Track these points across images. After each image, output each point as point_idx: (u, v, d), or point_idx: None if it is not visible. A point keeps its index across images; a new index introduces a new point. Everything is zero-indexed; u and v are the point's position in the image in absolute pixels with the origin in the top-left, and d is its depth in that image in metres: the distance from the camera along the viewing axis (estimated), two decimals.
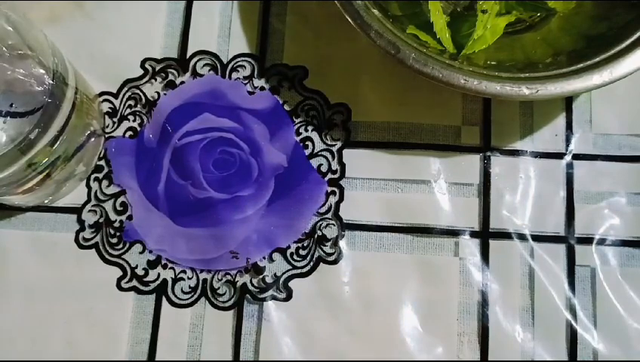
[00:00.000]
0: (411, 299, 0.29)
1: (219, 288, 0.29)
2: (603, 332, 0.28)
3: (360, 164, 0.30)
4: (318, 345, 0.28)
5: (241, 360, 0.29)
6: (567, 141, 0.30)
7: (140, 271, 0.30)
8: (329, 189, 0.30)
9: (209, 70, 0.32)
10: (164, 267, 0.30)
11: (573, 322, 0.28)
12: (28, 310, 0.29)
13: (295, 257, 0.29)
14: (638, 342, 0.28)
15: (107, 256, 0.30)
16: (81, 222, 0.30)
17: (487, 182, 0.30)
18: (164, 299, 0.29)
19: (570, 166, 0.30)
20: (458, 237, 0.29)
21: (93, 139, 0.30)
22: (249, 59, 0.32)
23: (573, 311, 0.28)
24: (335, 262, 0.29)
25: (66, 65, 0.28)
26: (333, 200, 0.30)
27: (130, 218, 0.30)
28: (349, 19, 0.28)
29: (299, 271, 0.29)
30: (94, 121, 0.30)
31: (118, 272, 0.30)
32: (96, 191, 0.31)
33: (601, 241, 0.29)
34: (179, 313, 0.29)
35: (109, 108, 0.32)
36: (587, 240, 0.29)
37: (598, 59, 0.27)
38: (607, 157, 0.30)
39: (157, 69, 0.32)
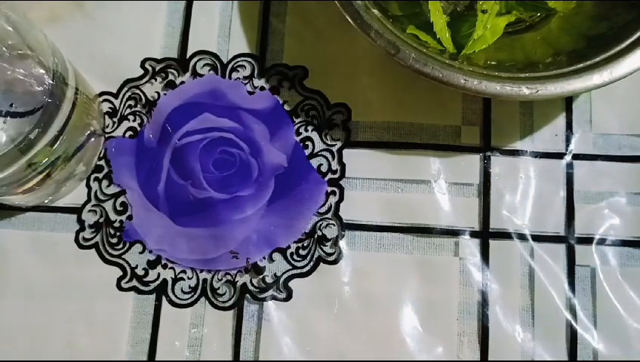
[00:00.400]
0: (411, 299, 0.29)
1: (219, 288, 0.29)
2: (603, 332, 0.28)
3: (360, 164, 0.30)
4: (318, 345, 0.28)
5: (241, 360, 0.29)
6: (567, 141, 0.30)
7: (139, 271, 0.30)
8: (329, 189, 0.30)
9: (209, 70, 0.32)
10: (164, 267, 0.30)
11: (573, 322, 0.28)
12: (28, 310, 0.29)
13: (295, 257, 0.29)
14: (638, 342, 0.28)
15: (107, 256, 0.30)
16: (81, 222, 0.30)
17: (487, 182, 0.30)
18: (164, 299, 0.29)
19: (570, 166, 0.30)
20: (458, 237, 0.29)
21: (93, 139, 0.30)
22: (249, 59, 0.32)
23: (573, 311, 0.28)
24: (335, 262, 0.29)
25: (66, 65, 0.28)
26: (333, 200, 0.30)
27: (130, 218, 0.30)
28: (349, 19, 0.28)
29: (299, 271, 0.29)
30: (94, 121, 0.30)
31: (118, 272, 0.30)
32: (96, 191, 0.31)
33: (601, 241, 0.29)
34: (179, 313, 0.29)
35: (109, 108, 0.32)
36: (587, 240, 0.29)
37: (598, 59, 0.27)
38: (607, 157, 0.30)
39: (157, 69, 0.32)
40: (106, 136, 0.31)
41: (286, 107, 0.31)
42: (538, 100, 0.30)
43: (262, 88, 0.32)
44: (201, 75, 0.32)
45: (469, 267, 0.29)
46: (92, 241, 0.30)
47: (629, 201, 0.30)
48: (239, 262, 0.29)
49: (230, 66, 0.32)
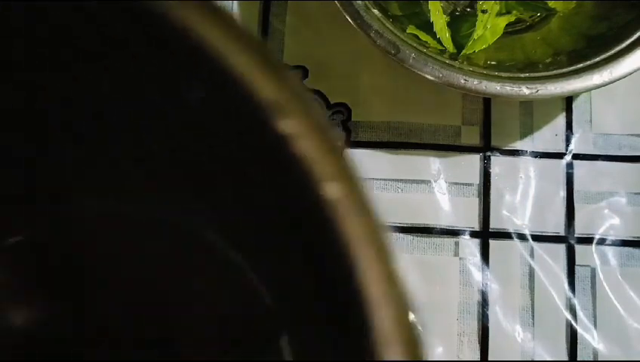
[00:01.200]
0: (411, 299, 0.29)
1: None
2: (603, 332, 0.28)
3: (360, 164, 0.30)
4: None
5: None
6: (567, 141, 0.30)
7: None
8: None
9: None
10: None
11: (573, 322, 0.28)
12: None
13: None
14: (638, 342, 0.28)
15: None
16: None
17: (487, 182, 0.30)
18: None
19: (570, 166, 0.30)
20: (458, 237, 0.29)
21: None
22: None
23: (573, 311, 0.28)
24: None
25: None
26: None
27: None
28: (349, 19, 0.28)
29: None
30: None
31: None
32: None
33: (601, 241, 0.29)
34: None
35: None
36: (587, 240, 0.29)
37: (598, 59, 0.27)
38: (607, 157, 0.30)
39: None
40: None
41: None
42: (538, 100, 0.30)
43: None
44: None
45: (469, 267, 0.29)
46: None
47: (629, 201, 0.30)
48: None
49: None
